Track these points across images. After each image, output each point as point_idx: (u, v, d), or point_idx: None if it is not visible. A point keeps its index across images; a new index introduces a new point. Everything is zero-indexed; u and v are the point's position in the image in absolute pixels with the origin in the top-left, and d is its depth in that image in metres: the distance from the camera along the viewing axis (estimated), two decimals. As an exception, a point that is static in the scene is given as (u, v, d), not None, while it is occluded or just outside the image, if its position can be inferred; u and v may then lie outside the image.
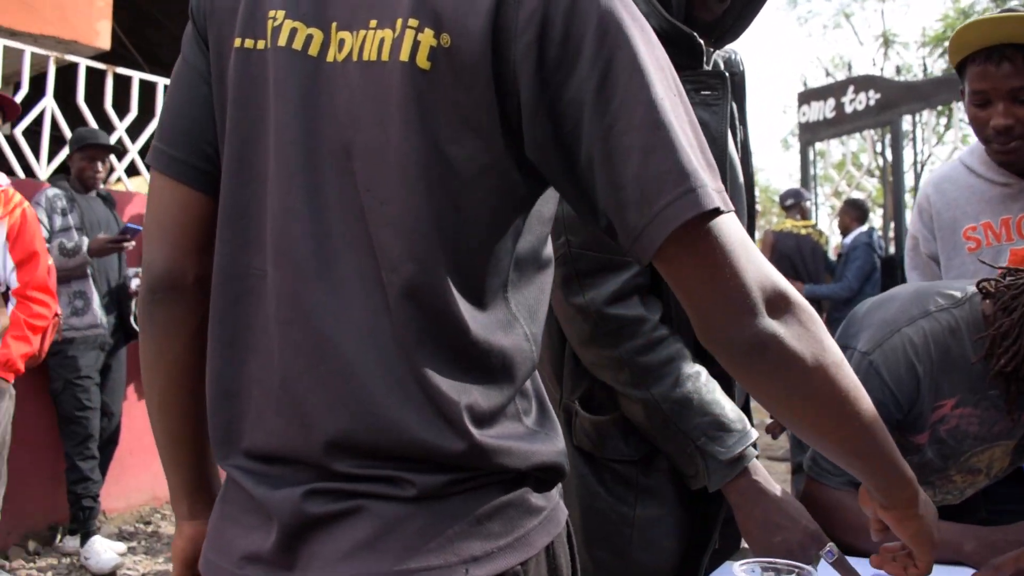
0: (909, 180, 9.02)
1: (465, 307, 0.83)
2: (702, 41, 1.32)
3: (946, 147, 9.64)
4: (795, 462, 1.88)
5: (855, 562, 1.52)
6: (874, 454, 0.97)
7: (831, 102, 8.21)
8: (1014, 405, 1.58)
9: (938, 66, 15.71)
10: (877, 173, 11.68)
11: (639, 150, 0.76)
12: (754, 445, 1.36)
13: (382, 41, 0.81)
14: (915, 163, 9.04)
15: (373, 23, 0.83)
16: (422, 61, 0.79)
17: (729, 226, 0.80)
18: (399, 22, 0.80)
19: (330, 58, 0.85)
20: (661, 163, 0.76)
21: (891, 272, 7.05)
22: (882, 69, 17.03)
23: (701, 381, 1.34)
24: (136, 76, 5.75)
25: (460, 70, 0.79)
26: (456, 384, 0.82)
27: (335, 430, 0.82)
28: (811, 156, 8.75)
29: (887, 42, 18.57)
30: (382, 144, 0.81)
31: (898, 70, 9.24)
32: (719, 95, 1.30)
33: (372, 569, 0.80)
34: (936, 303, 1.61)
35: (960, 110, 7.59)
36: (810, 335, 0.84)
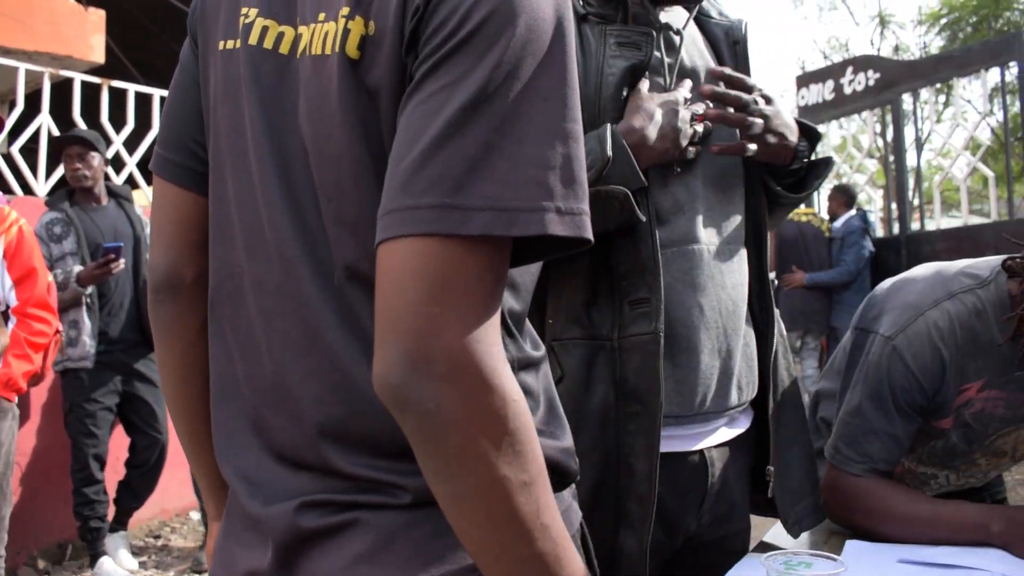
0: (910, 159, 8.98)
1: None
2: None
3: (945, 125, 9.62)
4: (815, 448, 1.85)
5: (878, 548, 1.49)
6: None
7: (830, 84, 8.17)
8: (1043, 385, 1.54)
9: (935, 44, 15.67)
10: (877, 154, 11.64)
11: (432, 140, 0.70)
12: None
13: (326, 34, 0.80)
14: (916, 141, 8.99)
15: (322, 16, 0.81)
16: (352, 50, 0.78)
17: (473, 262, 0.70)
18: (339, 14, 0.79)
19: (299, 55, 0.84)
20: (441, 165, 0.69)
21: (882, 253, 7.15)
22: (879, 49, 17.02)
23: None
24: (132, 89, 5.73)
25: (384, 57, 0.77)
26: None
27: (325, 417, 0.81)
28: (811, 140, 8.71)
29: (883, 22, 18.47)
30: (326, 140, 0.80)
31: (896, 49, 9.20)
32: (643, 53, 1.27)
33: None
34: (961, 283, 1.57)
35: (959, 86, 7.56)
36: (491, 431, 0.69)
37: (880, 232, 9.24)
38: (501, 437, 0.69)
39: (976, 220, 9.64)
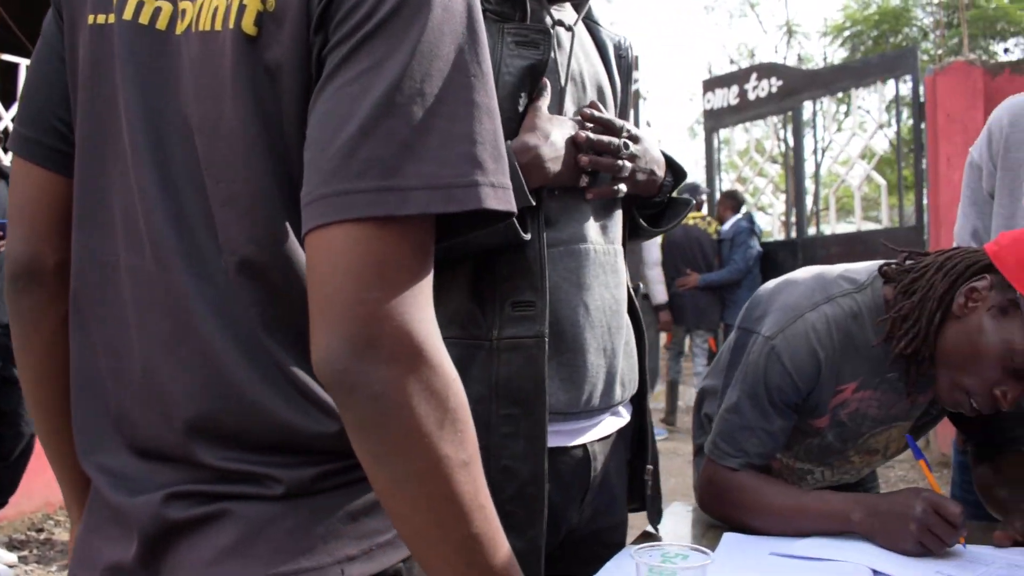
0: (810, 166, 9.25)
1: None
2: None
3: (844, 133, 9.95)
4: (697, 444, 1.89)
5: (753, 541, 1.53)
6: None
7: (735, 89, 8.34)
8: (913, 387, 1.61)
9: (838, 55, 16.17)
10: (780, 159, 11.96)
11: (361, 123, 0.69)
12: None
13: (216, 9, 0.78)
14: (815, 149, 9.27)
15: None
16: (248, 26, 0.76)
17: (409, 243, 0.70)
18: None
19: (178, 31, 0.81)
20: (373, 147, 0.69)
21: (779, 256, 7.48)
22: (785, 58, 17.51)
23: None
24: (23, 63, 5.50)
25: (286, 35, 0.75)
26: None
27: (196, 412, 0.79)
28: (716, 143, 8.90)
29: (790, 31, 19.00)
30: (216, 119, 0.78)
31: (800, 59, 9.46)
32: (539, 52, 1.26)
33: (240, 575, 0.76)
34: (839, 287, 1.63)
35: (858, 97, 7.81)
36: (435, 410, 0.69)
37: (781, 235, 9.52)
38: (444, 415, 0.70)
39: (870, 226, 10.00)
